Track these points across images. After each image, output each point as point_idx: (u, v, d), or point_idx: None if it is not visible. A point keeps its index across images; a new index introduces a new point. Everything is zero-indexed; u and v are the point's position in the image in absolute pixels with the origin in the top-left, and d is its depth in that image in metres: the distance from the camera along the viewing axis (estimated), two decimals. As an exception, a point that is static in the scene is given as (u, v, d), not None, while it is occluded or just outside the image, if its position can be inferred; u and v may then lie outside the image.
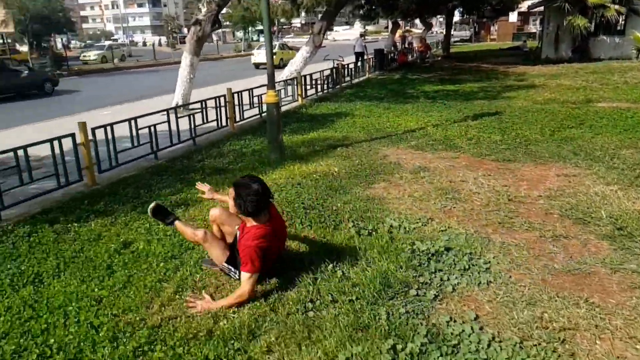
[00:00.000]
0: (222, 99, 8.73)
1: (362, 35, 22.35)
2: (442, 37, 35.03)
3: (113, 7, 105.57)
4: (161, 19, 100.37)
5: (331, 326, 2.90)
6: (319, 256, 3.79)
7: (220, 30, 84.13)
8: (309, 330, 2.90)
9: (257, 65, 25.19)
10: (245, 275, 3.16)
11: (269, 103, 6.54)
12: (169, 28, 67.43)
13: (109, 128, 6.21)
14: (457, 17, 42.49)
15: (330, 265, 3.61)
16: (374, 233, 4.23)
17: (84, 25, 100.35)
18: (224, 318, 3.05)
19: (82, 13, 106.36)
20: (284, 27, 58.03)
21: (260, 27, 64.24)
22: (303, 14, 20.36)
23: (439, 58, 27.75)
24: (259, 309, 3.12)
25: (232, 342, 2.80)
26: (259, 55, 24.55)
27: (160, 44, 75.96)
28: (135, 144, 6.64)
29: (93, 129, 5.86)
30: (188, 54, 12.40)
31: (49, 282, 3.65)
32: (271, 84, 6.51)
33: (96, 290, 3.46)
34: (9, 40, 38.74)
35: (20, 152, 5.15)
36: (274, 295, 3.28)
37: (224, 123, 8.80)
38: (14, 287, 3.55)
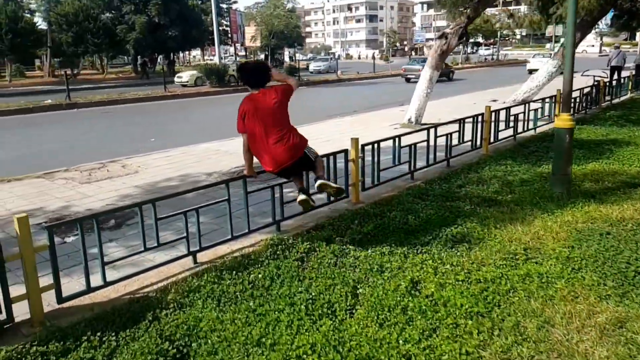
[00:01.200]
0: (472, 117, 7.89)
1: (617, 47, 19.06)
2: None
3: (334, 23, 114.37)
4: (378, 33, 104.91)
5: None
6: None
7: (432, 42, 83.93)
8: None
9: (530, 72, 27.41)
10: None
11: (561, 128, 5.46)
12: (391, 41, 69.71)
13: (376, 145, 5.89)
14: None
15: None
16: None
17: (307, 40, 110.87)
18: None
19: (307, 29, 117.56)
20: (506, 38, 54.48)
21: (479, 40, 61.71)
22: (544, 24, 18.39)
23: None
24: None
25: None
26: (534, 63, 29.69)
27: (373, 57, 79.44)
28: (396, 162, 6.24)
29: (363, 146, 5.61)
30: (428, 67, 11.90)
31: (342, 316, 3.30)
32: (567, 106, 5.42)
33: (401, 342, 2.96)
34: (247, 53, 44.87)
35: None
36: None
37: (474, 143, 7.94)
38: (311, 317, 3.28)
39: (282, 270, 3.95)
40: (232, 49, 54.17)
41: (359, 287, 3.67)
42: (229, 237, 4.34)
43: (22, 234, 3.00)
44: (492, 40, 66.24)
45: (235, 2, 49.37)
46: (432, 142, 6.82)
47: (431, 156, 6.86)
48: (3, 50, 34.33)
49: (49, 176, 8.02)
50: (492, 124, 8.12)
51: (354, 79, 32.54)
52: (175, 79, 27.57)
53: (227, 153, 9.42)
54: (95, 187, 7.28)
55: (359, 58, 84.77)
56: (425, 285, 3.65)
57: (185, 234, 4.03)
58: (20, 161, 9.81)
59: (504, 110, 8.55)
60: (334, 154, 5.29)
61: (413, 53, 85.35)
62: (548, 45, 79.15)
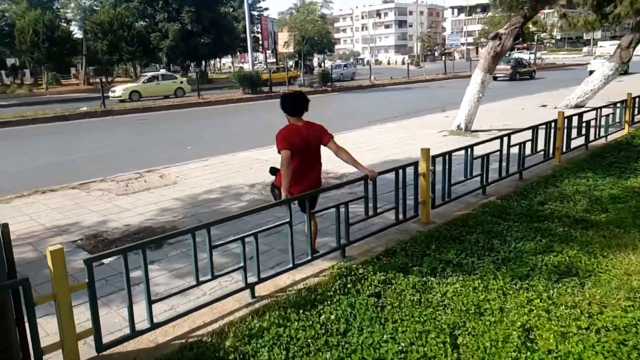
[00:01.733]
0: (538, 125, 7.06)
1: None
2: None
3: (363, 29, 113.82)
4: (407, 39, 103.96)
5: None
6: None
7: (464, 47, 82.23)
8: None
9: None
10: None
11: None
12: (425, 46, 68.74)
13: (447, 157, 5.18)
14: None
15: None
16: None
17: (336, 46, 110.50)
18: None
19: (336, 35, 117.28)
20: (541, 42, 52.69)
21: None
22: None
23: None
24: None
25: None
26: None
27: (403, 62, 78.31)
28: (468, 175, 5.50)
29: (434, 157, 4.91)
30: (480, 70, 11.13)
31: (445, 377, 2.62)
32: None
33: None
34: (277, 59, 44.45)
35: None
36: None
37: (547, 153, 7.13)
38: (407, 379, 2.61)
39: (357, 309, 3.29)
40: (261, 56, 54.15)
41: (457, 334, 2.98)
42: (290, 265, 3.70)
43: (56, 270, 2.43)
44: (525, 45, 64.35)
45: (266, 9, 49.48)
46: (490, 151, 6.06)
47: (498, 167, 6.10)
48: (40, 59, 34.98)
49: (84, 187, 7.62)
50: (565, 131, 7.29)
51: (387, 84, 31.74)
52: (110, 94, 24.59)
53: (267, 162, 8.83)
54: (132, 200, 6.82)
55: (389, 63, 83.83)
56: (542, 334, 2.93)
57: (241, 263, 3.40)
58: (56, 169, 9.51)
59: (576, 116, 7.69)
60: (403, 167, 4.60)
61: (443, 58, 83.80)
62: (585, 49, 76.71)
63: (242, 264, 3.37)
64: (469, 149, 5.40)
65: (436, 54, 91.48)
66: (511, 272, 3.76)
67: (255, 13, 44.47)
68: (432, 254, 4.15)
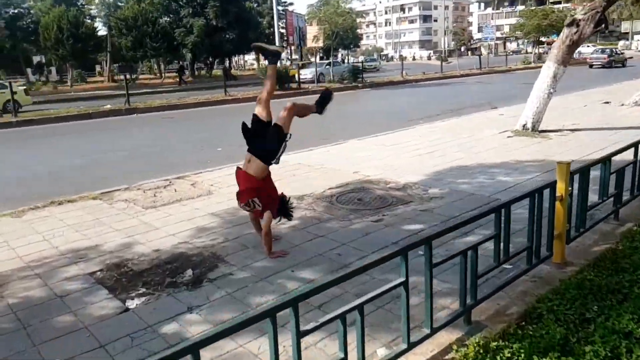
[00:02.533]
0: None
1: None
2: None
3: (386, 25, 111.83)
4: (432, 34, 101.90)
5: None
6: None
7: (494, 43, 79.52)
8: None
9: None
10: None
11: None
12: (460, 40, 67.12)
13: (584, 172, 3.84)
14: None
15: None
16: None
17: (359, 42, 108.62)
18: None
19: (359, 31, 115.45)
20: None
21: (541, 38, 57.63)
22: None
23: None
24: None
25: None
26: None
27: (429, 58, 76.28)
28: (604, 197, 4.15)
29: (572, 173, 3.59)
30: (552, 62, 9.67)
31: None
32: None
33: None
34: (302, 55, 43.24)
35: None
36: None
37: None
38: None
39: None
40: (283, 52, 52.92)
41: None
42: (405, 347, 2.45)
43: None
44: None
45: (291, 4, 48.30)
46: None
47: (631, 183, 4.74)
48: (65, 56, 34.52)
49: (107, 197, 6.55)
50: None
51: (420, 80, 30.26)
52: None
53: (313, 168, 7.68)
54: (162, 214, 5.72)
55: (414, 59, 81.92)
56: None
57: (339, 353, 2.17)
58: (76, 173, 8.54)
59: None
60: (539, 190, 3.30)
61: (469, 53, 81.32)
62: (621, 43, 73.38)
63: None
64: (607, 162, 4.05)
65: (462, 49, 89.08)
66: None
67: (280, 8, 43.30)
68: (598, 320, 2.85)
